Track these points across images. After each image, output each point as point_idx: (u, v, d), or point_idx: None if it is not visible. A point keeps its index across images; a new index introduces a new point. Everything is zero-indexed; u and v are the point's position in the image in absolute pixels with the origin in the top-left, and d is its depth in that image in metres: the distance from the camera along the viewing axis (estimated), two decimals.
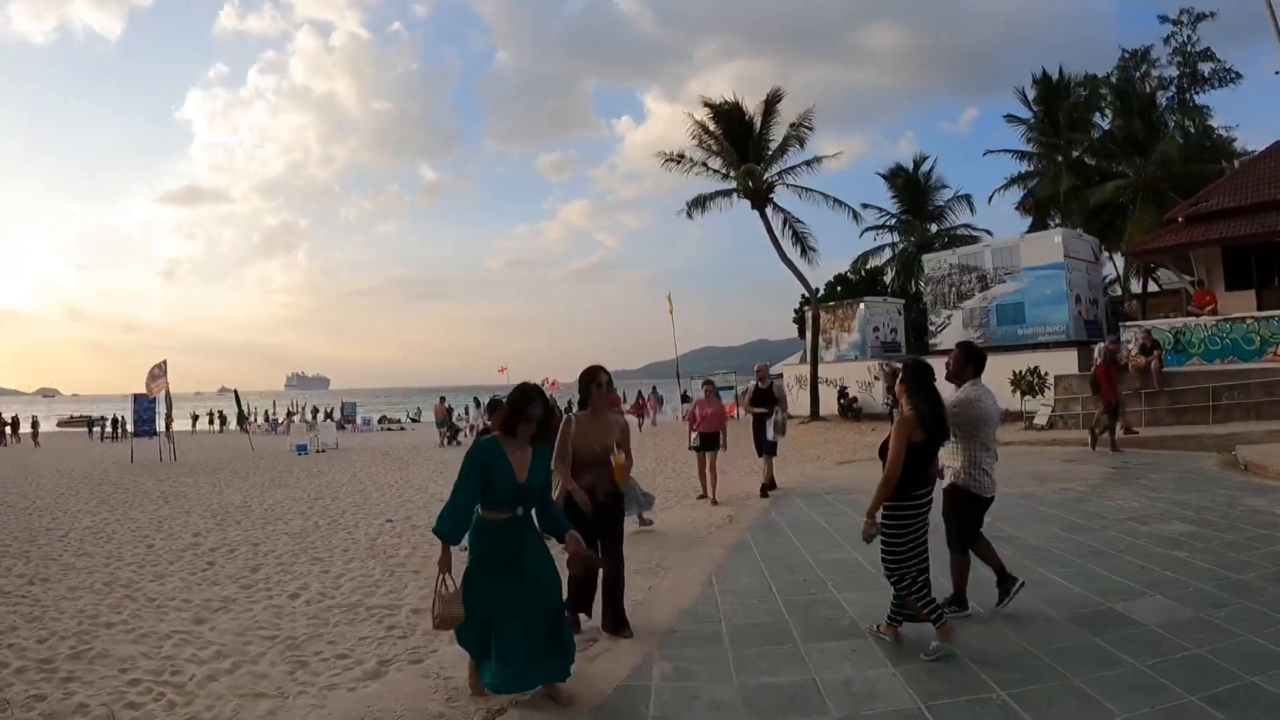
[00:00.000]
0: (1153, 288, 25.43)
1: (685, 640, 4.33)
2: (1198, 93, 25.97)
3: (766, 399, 9.82)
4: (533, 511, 3.59)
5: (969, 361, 4.58)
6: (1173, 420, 12.55)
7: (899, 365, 7.47)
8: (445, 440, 24.21)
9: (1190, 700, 3.29)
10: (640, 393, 29.51)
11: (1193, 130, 24.66)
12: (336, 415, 43.20)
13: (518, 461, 3.44)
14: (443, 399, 26.49)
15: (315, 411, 42.81)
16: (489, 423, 7.27)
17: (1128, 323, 16.14)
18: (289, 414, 49.51)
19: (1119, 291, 26.02)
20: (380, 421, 46.03)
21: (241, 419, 34.59)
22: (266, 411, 51.63)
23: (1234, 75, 25.47)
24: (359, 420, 42.77)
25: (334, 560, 7.54)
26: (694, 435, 9.52)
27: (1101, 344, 15.14)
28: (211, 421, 47.76)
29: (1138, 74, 27.21)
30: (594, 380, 4.53)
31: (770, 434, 9.60)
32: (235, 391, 38.76)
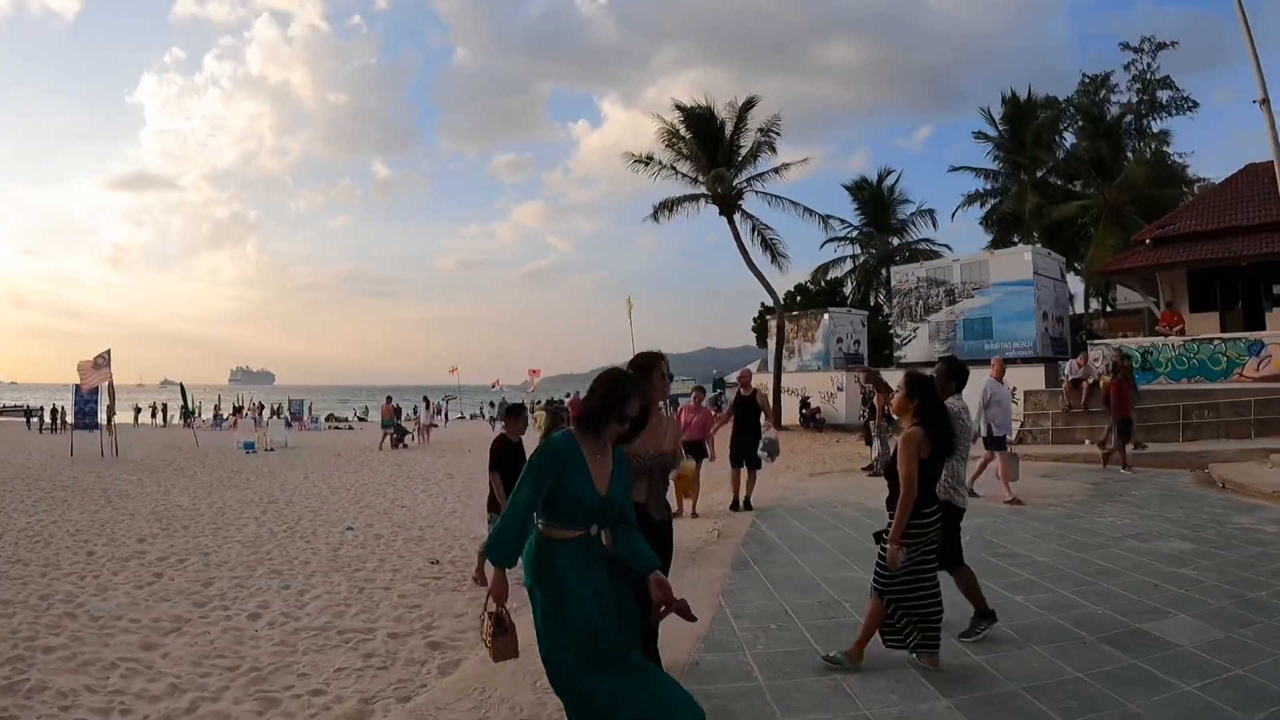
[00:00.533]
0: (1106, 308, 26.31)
1: (712, 674, 4.01)
2: (1155, 119, 27.06)
3: (749, 407, 9.46)
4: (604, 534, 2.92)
5: (953, 377, 4.71)
6: (1142, 438, 12.79)
7: (875, 374, 7.35)
8: (392, 442, 23.36)
9: None
10: None
11: (1149, 155, 25.53)
12: (284, 412, 42.23)
13: (598, 468, 2.75)
14: (389, 398, 25.57)
15: (261, 408, 41.56)
16: (504, 430, 6.82)
17: (1095, 341, 16.53)
18: (236, 409, 47.86)
19: (1071, 311, 26.83)
20: (328, 419, 45.41)
21: (187, 413, 33.32)
22: (216, 406, 49.99)
23: (1191, 104, 26.57)
24: (306, 418, 41.74)
25: (294, 574, 7.06)
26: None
27: (1072, 361, 15.49)
28: (154, 415, 46.01)
29: (1097, 98, 28.17)
30: (654, 368, 3.55)
31: (761, 450, 9.19)
32: (181, 385, 37.74)
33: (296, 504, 11.59)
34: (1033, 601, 5.11)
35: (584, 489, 2.70)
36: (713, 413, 10.07)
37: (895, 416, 4.17)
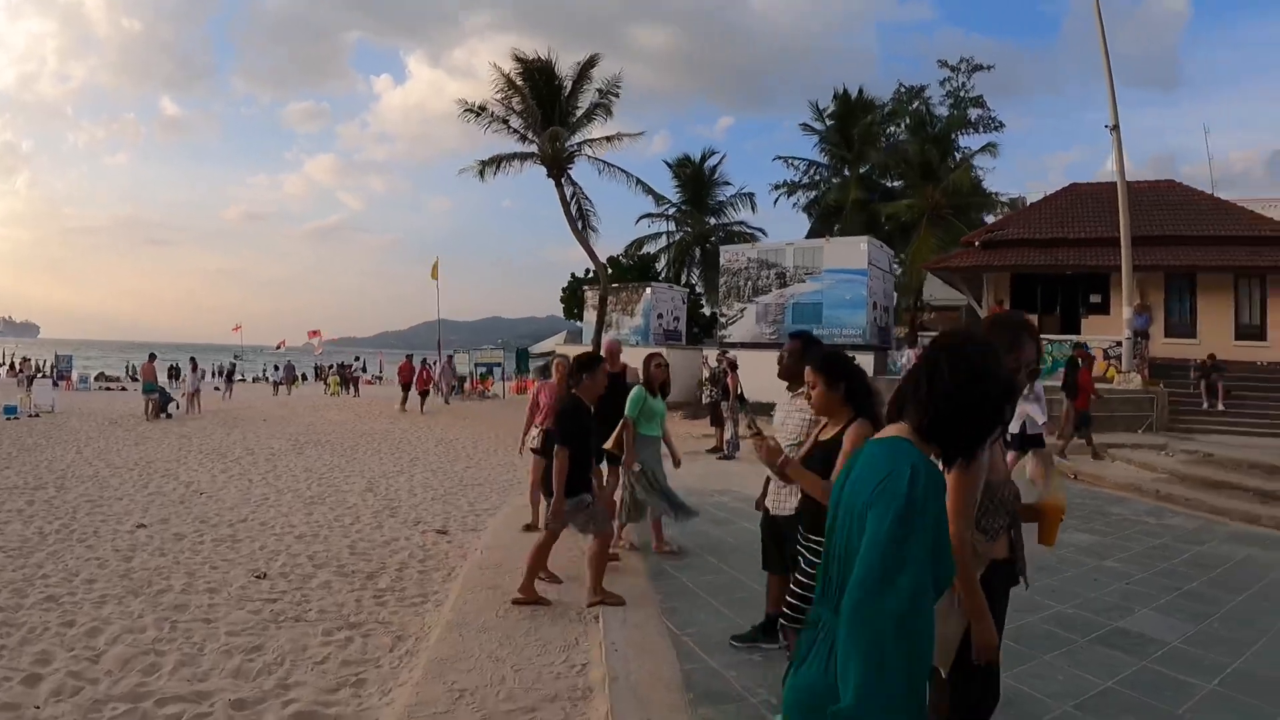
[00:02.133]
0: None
1: None
2: (963, 134, 30.28)
3: (620, 389, 7.11)
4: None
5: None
6: None
7: (733, 357, 7.11)
8: (154, 411, 20.07)
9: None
10: (425, 360, 26.75)
11: (967, 165, 28.88)
12: (48, 370, 35.89)
13: None
14: (153, 356, 21.71)
15: (27, 363, 34.72)
16: (574, 388, 5.25)
17: (926, 333, 18.29)
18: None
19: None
20: (98, 379, 40.52)
21: None
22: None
23: (998, 124, 29.95)
24: (75, 376, 36.68)
25: (79, 601, 5.33)
26: (535, 434, 7.28)
27: (909, 351, 16.96)
28: None
29: (910, 108, 31.28)
30: (1026, 337, 2.54)
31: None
32: None
33: (70, 490, 9.52)
34: None
35: (949, 548, 1.66)
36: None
37: (818, 415, 3.51)
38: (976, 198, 28.31)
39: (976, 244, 19.48)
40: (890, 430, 1.73)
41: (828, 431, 3.33)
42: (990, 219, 26.22)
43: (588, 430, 5.17)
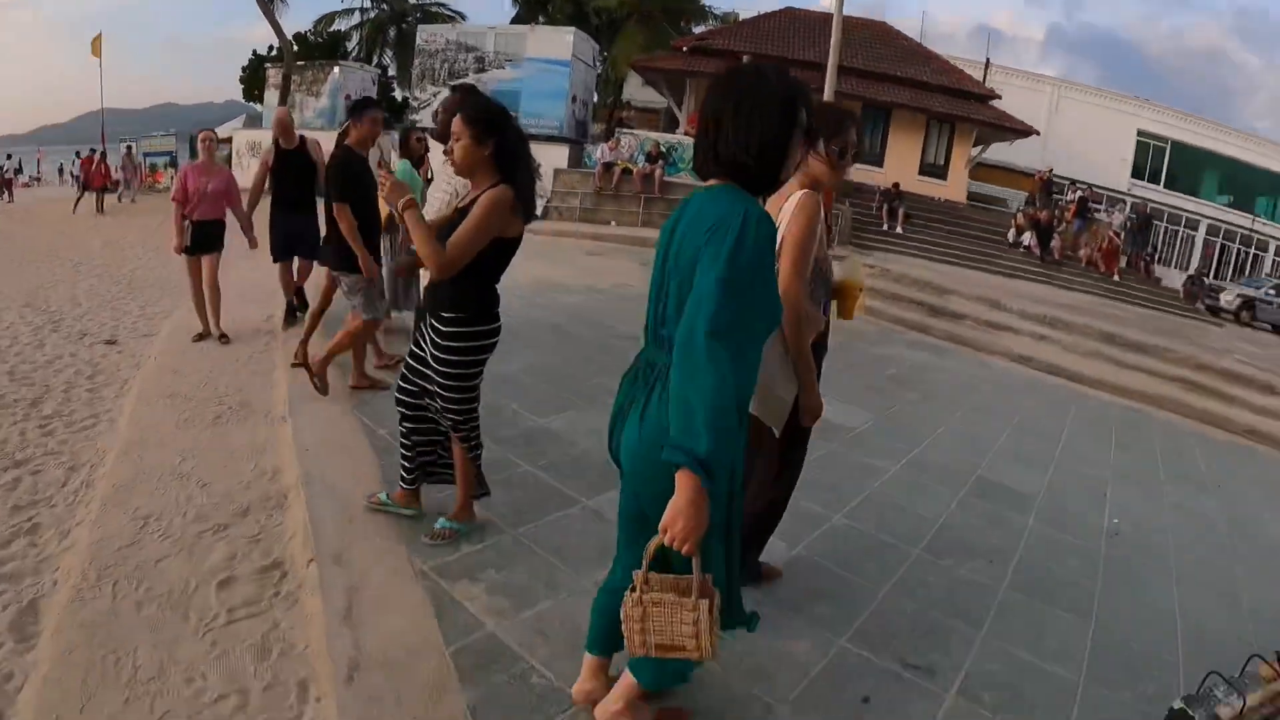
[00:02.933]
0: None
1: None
2: None
3: (299, 169, 6.19)
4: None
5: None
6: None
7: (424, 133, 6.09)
8: None
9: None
10: (95, 150, 20.16)
11: None
12: None
13: None
14: None
15: None
16: (348, 139, 4.40)
17: (625, 130, 18.07)
18: None
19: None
20: None
21: None
22: None
23: None
24: None
25: None
26: (185, 227, 5.90)
27: (603, 145, 16.77)
28: None
29: None
30: (847, 118, 2.52)
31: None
32: None
33: None
34: None
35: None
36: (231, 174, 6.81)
37: (460, 175, 2.79)
38: (689, 4, 28.27)
39: (685, 50, 19.30)
40: (711, 183, 1.69)
41: (468, 201, 2.69)
42: (700, 30, 26.37)
43: (368, 184, 4.36)
